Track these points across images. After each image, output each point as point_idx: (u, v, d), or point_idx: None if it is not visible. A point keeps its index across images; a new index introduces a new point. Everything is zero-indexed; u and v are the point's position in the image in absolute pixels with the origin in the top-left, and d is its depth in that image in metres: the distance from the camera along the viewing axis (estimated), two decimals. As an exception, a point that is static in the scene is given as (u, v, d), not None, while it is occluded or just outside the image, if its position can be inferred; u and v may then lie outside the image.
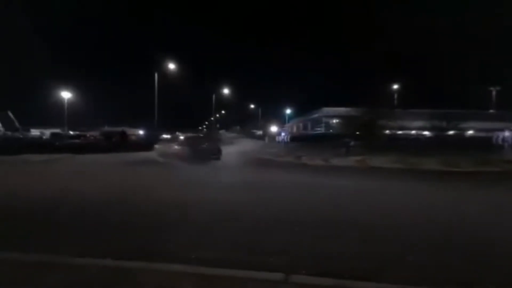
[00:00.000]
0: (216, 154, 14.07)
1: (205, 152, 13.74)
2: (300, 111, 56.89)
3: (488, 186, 8.09)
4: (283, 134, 29.28)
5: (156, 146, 15.88)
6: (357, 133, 20.15)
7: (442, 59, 68.00)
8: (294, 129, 56.98)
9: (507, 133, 17.56)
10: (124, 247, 3.20)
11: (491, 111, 40.16)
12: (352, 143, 17.36)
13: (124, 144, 24.29)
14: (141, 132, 39.81)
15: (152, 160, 14.24)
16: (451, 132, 24.92)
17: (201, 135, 29.75)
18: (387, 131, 20.76)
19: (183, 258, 2.85)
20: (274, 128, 48.17)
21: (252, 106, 57.51)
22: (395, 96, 32.69)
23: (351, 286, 2.31)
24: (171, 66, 29.70)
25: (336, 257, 2.97)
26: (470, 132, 31.59)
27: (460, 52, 66.72)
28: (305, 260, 2.88)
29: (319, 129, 45.78)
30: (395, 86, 35.18)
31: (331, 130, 34.62)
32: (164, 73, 30.32)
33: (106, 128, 39.87)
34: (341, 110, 25.08)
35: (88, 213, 4.69)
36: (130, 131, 34.72)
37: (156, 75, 29.04)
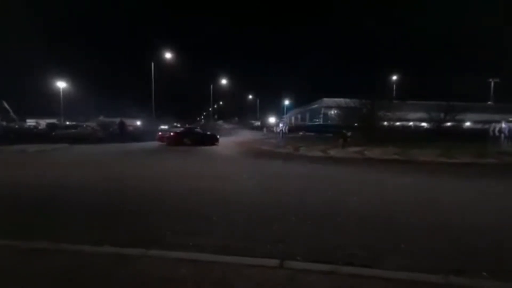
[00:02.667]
0: (212, 141, 18.22)
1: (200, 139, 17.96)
2: (299, 102, 56.69)
3: (482, 177, 8.17)
4: (281, 125, 29.18)
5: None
6: (356, 124, 20.15)
7: (441, 51, 67.44)
8: (293, 120, 56.84)
9: (504, 125, 17.61)
10: (119, 233, 3.23)
11: (489, 103, 40.17)
12: (349, 133, 17.39)
13: (122, 134, 24.19)
14: (138, 123, 39.60)
15: (152, 150, 14.24)
16: (449, 124, 24.97)
17: (197, 126, 30.31)
18: (386, 123, 20.74)
19: (179, 246, 2.88)
20: (272, 119, 48.05)
21: (250, 97, 57.18)
22: (394, 87, 32.53)
23: (346, 271, 2.34)
24: (168, 55, 29.28)
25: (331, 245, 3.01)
26: (468, 123, 31.68)
27: (460, 44, 66.18)
28: (301, 248, 2.92)
29: (318, 120, 45.67)
30: (394, 77, 35.01)
31: (329, 121, 34.55)
32: (161, 63, 29.95)
33: (102, 119, 39.51)
34: (341, 101, 24.88)
35: (84, 202, 4.71)
36: (127, 121, 34.52)
37: (152, 64, 28.66)
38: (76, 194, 5.22)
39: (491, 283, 2.30)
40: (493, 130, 18.20)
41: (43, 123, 35.97)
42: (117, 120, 29.99)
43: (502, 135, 17.46)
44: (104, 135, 23.57)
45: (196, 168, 9.49)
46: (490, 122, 23.29)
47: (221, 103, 64.67)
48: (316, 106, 47.91)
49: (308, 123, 47.88)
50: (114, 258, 2.56)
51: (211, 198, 4.98)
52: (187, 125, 28.31)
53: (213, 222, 3.74)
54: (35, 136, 21.85)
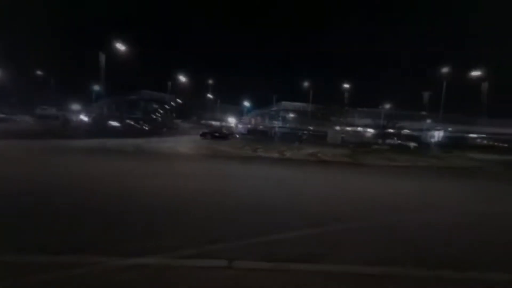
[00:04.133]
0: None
1: None
2: (258, 104, 57.49)
3: (416, 177, 9.31)
4: (240, 126, 29.33)
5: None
6: (311, 127, 21.24)
7: (384, 64, 74.93)
8: (252, 122, 57.49)
9: (435, 132, 20.26)
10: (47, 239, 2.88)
11: (423, 112, 45.73)
12: (304, 137, 18.26)
13: (65, 130, 21.79)
14: (84, 118, 36.10)
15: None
16: (391, 130, 27.82)
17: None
18: (338, 127, 22.25)
19: (123, 251, 2.68)
20: (232, 120, 47.94)
21: (210, 96, 56.22)
22: (346, 95, 35.08)
23: (288, 268, 2.44)
24: (120, 46, 27.22)
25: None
26: (406, 130, 35.62)
27: (400, 60, 74.66)
28: (248, 246, 2.96)
29: (276, 122, 46.95)
30: (346, 86, 37.74)
31: (288, 124, 35.79)
32: (113, 55, 27.78)
33: (41, 111, 35.01)
34: (298, 105, 26.06)
35: None
36: (73, 115, 31.27)
37: (103, 56, 26.43)
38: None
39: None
40: (426, 137, 20.77)
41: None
42: (60, 113, 26.95)
43: (433, 140, 20.02)
44: (42, 130, 20.93)
45: (142, 170, 8.98)
46: (424, 130, 26.56)
47: (179, 100, 62.34)
48: (275, 109, 49.25)
49: (268, 124, 48.90)
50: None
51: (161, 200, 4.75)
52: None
53: (165, 226, 3.57)
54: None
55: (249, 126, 39.23)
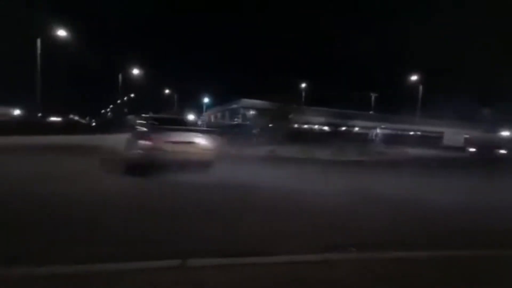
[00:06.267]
0: None
1: None
2: (218, 101, 56.81)
3: (364, 171, 10.26)
4: (199, 122, 28.68)
5: None
6: (270, 125, 21.76)
7: (337, 66, 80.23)
8: (212, 118, 56.61)
9: (378, 131, 22.45)
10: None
11: (371, 112, 49.99)
12: (256, 133, 18.62)
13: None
14: (17, 112, 31.76)
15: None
16: (343, 128, 29.89)
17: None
18: (295, 125, 23.18)
19: (65, 258, 2.49)
20: (191, 116, 46.59)
21: (167, 91, 53.84)
22: (303, 94, 36.68)
23: (242, 262, 2.53)
24: (61, 33, 24.39)
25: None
26: (356, 128, 38.66)
27: (350, 61, 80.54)
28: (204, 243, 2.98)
29: (236, 119, 46.89)
30: (303, 85, 39.47)
31: (248, 122, 36.08)
32: (54, 41, 24.79)
33: None
34: (258, 102, 26.43)
35: None
36: (-1, 109, 27.22)
37: (38, 41, 23.37)
38: None
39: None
40: (371, 135, 22.87)
41: None
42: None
43: (377, 138, 22.11)
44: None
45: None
46: (370, 128, 29.13)
47: (132, 95, 58.45)
48: (235, 106, 49.12)
49: (227, 121, 48.61)
50: None
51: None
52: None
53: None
54: None
55: (206, 122, 38.59)
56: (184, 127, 7.32)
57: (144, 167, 6.37)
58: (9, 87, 37.02)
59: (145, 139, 6.56)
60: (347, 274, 2.41)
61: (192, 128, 7.72)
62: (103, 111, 77.69)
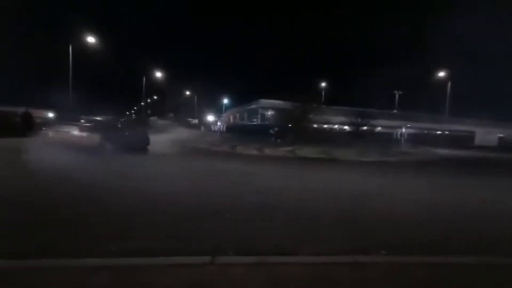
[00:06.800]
0: (141, 143, 12.41)
1: (126, 141, 11.51)
2: (237, 101, 57.25)
3: (386, 172, 9.89)
4: (219, 123, 29.13)
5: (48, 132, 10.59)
6: (289, 125, 21.56)
7: (358, 65, 78.15)
8: (231, 119, 57.15)
9: (403, 130, 21.53)
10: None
11: (395, 111, 48.16)
12: (275, 133, 18.50)
13: (27, 128, 20.18)
14: (51, 114, 33.87)
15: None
16: (364, 128, 28.97)
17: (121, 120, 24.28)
18: (315, 125, 22.80)
19: (108, 251, 2.63)
20: (210, 117, 47.40)
21: (187, 93, 55.04)
22: (323, 93, 36.04)
23: (272, 261, 2.53)
24: (91, 39, 25.72)
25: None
26: (379, 128, 37.38)
27: (373, 60, 78.06)
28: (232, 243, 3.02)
29: (255, 120, 46.98)
30: (323, 84, 38.80)
31: (267, 122, 36.01)
32: (84, 47, 26.23)
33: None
34: (277, 102, 26.29)
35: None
36: (36, 112, 29.05)
37: (70, 47, 24.81)
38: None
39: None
40: (396, 134, 22.00)
41: None
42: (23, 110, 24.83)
43: (402, 138, 21.24)
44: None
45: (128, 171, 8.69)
46: (394, 127, 28.01)
47: (155, 97, 60.46)
48: (254, 106, 49.25)
49: (246, 122, 48.86)
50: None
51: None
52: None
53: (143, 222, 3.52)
54: None
55: (225, 123, 39.06)
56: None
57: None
58: (41, 90, 39.50)
59: None
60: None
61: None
62: (127, 113, 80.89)
